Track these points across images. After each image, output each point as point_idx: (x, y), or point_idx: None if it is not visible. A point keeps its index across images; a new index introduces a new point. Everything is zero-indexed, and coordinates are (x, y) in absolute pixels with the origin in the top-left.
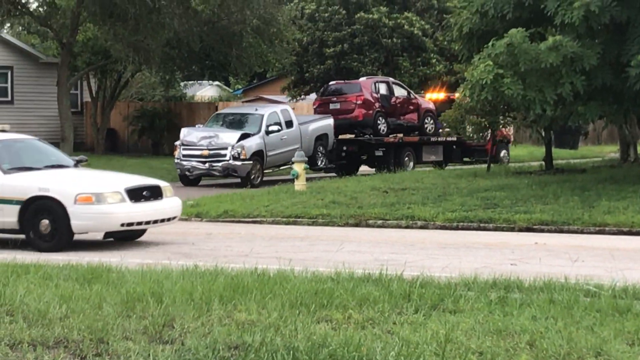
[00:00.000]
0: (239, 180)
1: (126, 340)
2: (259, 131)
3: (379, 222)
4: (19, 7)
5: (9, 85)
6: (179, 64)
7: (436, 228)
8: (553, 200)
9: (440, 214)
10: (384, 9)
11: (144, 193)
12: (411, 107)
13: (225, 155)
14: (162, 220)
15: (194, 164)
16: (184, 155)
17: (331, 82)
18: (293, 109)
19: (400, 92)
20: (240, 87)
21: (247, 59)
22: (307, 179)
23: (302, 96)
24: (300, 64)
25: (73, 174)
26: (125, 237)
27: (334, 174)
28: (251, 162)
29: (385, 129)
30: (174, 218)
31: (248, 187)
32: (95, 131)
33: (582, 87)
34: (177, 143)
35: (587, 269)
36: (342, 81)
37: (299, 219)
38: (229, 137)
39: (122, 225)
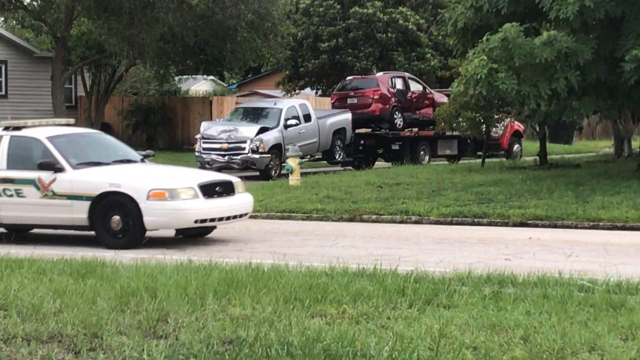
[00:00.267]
0: (257, 173)
1: (120, 335)
2: (278, 125)
3: (374, 217)
4: (13, 1)
5: (3, 79)
6: (173, 59)
7: (430, 223)
8: (547, 195)
9: (435, 208)
10: (378, 4)
11: (217, 189)
12: (426, 102)
13: (244, 149)
14: (235, 217)
15: (214, 157)
16: (204, 149)
17: (348, 77)
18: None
19: (416, 87)
20: (234, 81)
21: (241, 54)
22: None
23: (297, 91)
24: (295, 59)
25: (143, 169)
26: (194, 235)
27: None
28: (269, 155)
29: (402, 124)
30: (246, 214)
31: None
32: (89, 125)
33: (576, 82)
34: (197, 136)
35: (581, 264)
36: (360, 76)
37: (293, 214)
38: (248, 130)
39: (196, 221)
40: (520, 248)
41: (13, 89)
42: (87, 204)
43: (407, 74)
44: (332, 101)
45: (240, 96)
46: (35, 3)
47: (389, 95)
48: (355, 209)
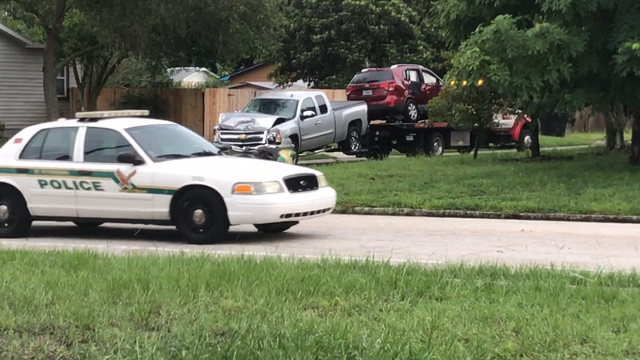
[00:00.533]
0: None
1: (112, 327)
2: (294, 116)
3: (366, 208)
4: None
5: None
6: (165, 50)
7: (423, 215)
8: (539, 187)
9: (427, 201)
10: None
11: (301, 182)
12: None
13: (261, 139)
14: (318, 212)
15: (232, 147)
16: (222, 139)
17: (363, 70)
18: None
19: (429, 79)
20: (227, 73)
21: (233, 45)
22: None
23: (289, 82)
24: (287, 51)
25: (225, 162)
26: (273, 229)
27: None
28: None
29: (416, 115)
30: (328, 209)
31: None
32: None
33: (568, 74)
34: (216, 127)
35: (573, 256)
36: (374, 69)
37: None
38: (265, 121)
39: (282, 216)
40: (512, 240)
41: (4, 81)
42: (168, 197)
43: (421, 67)
44: (348, 93)
45: (232, 88)
46: None
47: (404, 88)
48: (347, 200)
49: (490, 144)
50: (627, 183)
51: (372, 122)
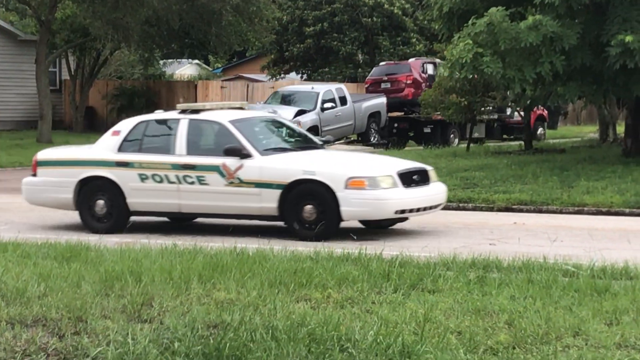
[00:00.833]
0: None
1: (105, 319)
2: (315, 108)
3: None
4: None
5: None
6: (158, 42)
7: None
8: (532, 180)
9: None
10: None
11: (414, 177)
12: None
13: None
14: (430, 208)
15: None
16: None
17: (381, 63)
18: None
19: None
20: (219, 65)
21: (226, 38)
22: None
23: (282, 75)
24: (280, 43)
25: (334, 156)
26: (377, 226)
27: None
28: None
29: None
30: (440, 205)
31: None
32: (73, 109)
33: (561, 67)
34: None
35: (566, 249)
36: (392, 62)
37: None
38: (287, 113)
39: (396, 212)
40: (505, 233)
41: None
42: (277, 192)
43: (437, 60)
44: (367, 85)
45: (225, 80)
46: None
47: (421, 81)
48: None
49: (505, 136)
50: (620, 176)
51: (390, 114)
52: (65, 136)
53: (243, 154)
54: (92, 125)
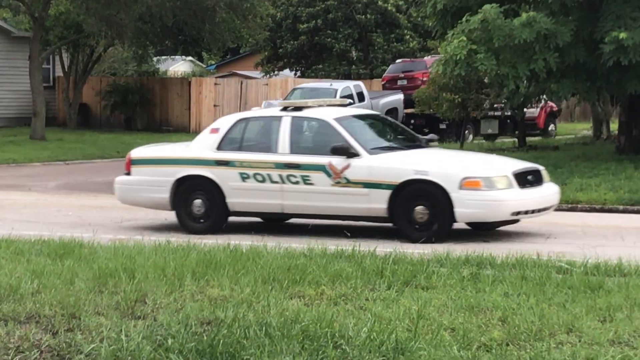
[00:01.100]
0: None
1: (98, 316)
2: None
3: None
4: None
5: None
6: (151, 39)
7: None
8: None
9: None
10: None
11: (529, 177)
12: None
13: None
14: (545, 209)
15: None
16: None
17: (398, 60)
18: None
19: None
20: (213, 62)
21: (220, 34)
22: None
23: (276, 72)
24: (274, 40)
25: (444, 155)
26: (485, 228)
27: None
28: None
29: None
30: (553, 207)
31: None
32: (67, 106)
33: (555, 64)
34: None
35: (560, 246)
36: (409, 60)
37: None
38: None
39: (512, 214)
40: (498, 230)
41: None
42: (387, 193)
43: None
44: (383, 82)
45: (219, 77)
46: None
47: None
48: None
49: (517, 132)
50: (614, 173)
51: (407, 111)
52: (59, 133)
53: (350, 153)
54: (86, 122)
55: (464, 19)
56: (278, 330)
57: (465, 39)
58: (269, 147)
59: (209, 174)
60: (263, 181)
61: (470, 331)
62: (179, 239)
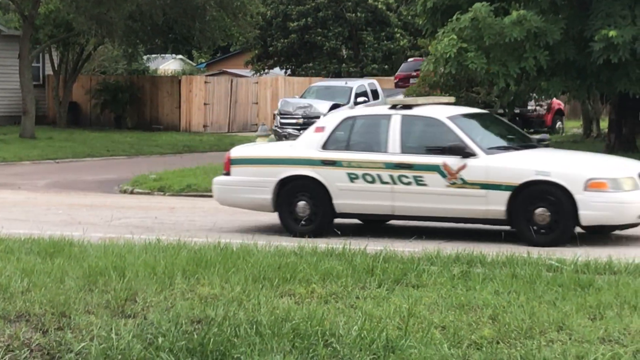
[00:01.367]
0: None
1: (88, 314)
2: (348, 102)
3: None
4: None
5: None
6: (141, 37)
7: None
8: None
9: None
10: None
11: None
12: None
13: None
14: None
15: (290, 131)
16: (281, 123)
17: (409, 59)
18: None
19: None
20: (203, 60)
21: (210, 33)
22: None
23: (266, 70)
24: (264, 38)
25: (563, 155)
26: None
27: None
28: None
29: None
30: None
31: None
32: (57, 104)
33: (545, 62)
34: (275, 112)
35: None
36: (421, 58)
37: None
38: (322, 106)
39: (639, 217)
40: (488, 228)
41: None
42: (506, 194)
43: None
44: (396, 81)
45: (209, 75)
46: None
47: None
48: None
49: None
50: None
51: None
52: (49, 131)
53: (466, 153)
54: (76, 121)
55: (454, 17)
56: (269, 328)
57: (455, 37)
58: (378, 147)
59: (314, 174)
60: (373, 182)
61: (460, 329)
62: (169, 238)
